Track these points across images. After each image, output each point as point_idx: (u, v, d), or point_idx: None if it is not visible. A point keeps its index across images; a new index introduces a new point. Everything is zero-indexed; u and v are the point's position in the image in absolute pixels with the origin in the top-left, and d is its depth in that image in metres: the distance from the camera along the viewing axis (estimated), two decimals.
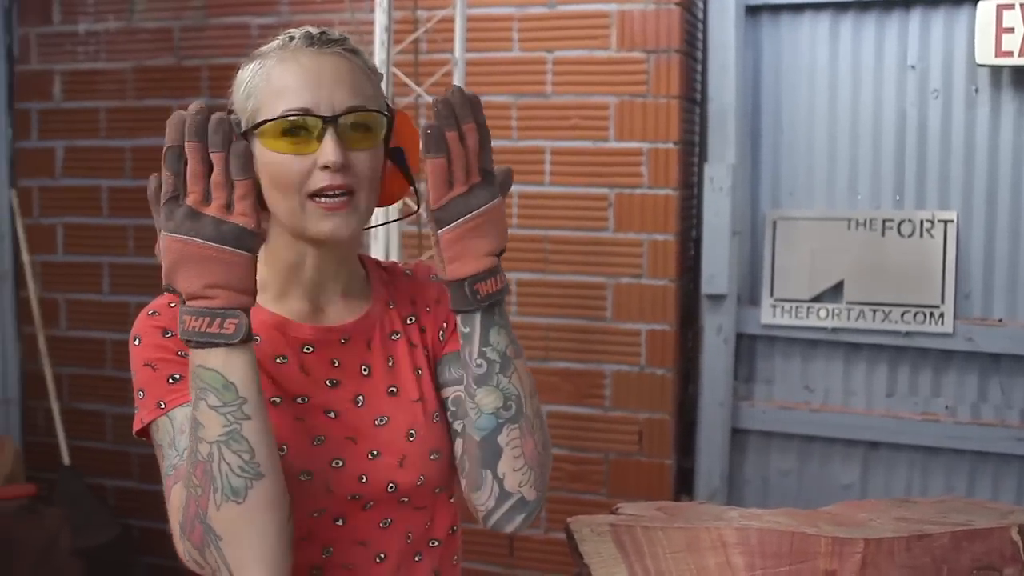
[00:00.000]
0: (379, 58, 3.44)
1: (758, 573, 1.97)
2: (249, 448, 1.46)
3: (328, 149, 1.59)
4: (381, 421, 1.71)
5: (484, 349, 1.62)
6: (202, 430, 1.46)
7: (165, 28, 4.60)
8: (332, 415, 1.67)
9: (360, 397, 1.71)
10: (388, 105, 1.76)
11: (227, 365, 1.46)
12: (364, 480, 1.67)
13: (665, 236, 3.95)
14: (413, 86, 3.74)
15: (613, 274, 4.03)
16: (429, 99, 3.80)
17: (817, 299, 3.86)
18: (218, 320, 1.45)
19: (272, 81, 1.64)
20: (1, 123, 4.89)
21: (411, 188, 1.76)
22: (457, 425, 1.76)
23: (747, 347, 4.01)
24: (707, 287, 3.91)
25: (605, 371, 4.07)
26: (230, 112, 1.66)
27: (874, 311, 3.78)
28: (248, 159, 1.44)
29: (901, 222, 3.75)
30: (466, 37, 3.77)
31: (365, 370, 1.73)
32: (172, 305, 1.61)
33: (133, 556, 4.77)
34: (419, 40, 3.93)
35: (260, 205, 1.60)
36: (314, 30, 1.70)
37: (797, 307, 3.88)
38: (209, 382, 1.46)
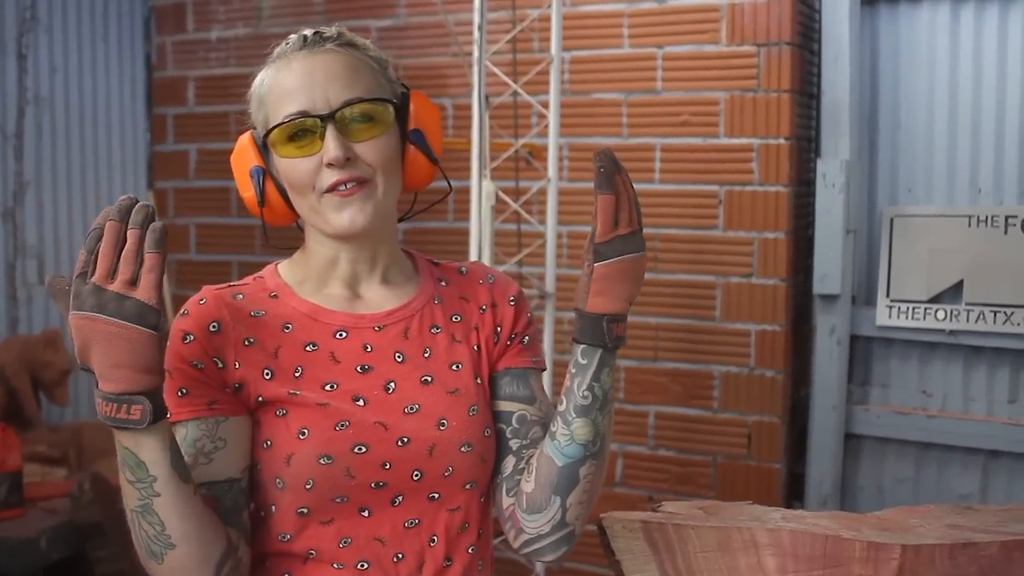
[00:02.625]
0: (474, 56, 3.44)
1: (790, 575, 1.90)
2: (160, 521, 1.50)
3: (330, 146, 1.64)
4: (412, 408, 1.70)
5: (594, 384, 1.67)
6: (125, 497, 1.51)
7: (291, 33, 4.69)
8: (361, 402, 1.67)
9: (391, 384, 1.70)
10: (403, 88, 1.77)
11: (138, 446, 1.47)
12: (388, 467, 1.67)
13: (776, 234, 3.84)
14: (510, 83, 3.72)
15: (723, 273, 3.94)
16: (527, 97, 3.79)
17: (935, 300, 3.69)
18: (124, 407, 1.44)
19: (274, 89, 1.70)
20: (140, 127, 5.07)
21: (438, 170, 1.79)
22: (514, 443, 1.80)
23: (862, 349, 3.87)
24: (819, 287, 3.78)
25: (714, 372, 3.98)
26: (253, 127, 1.76)
27: (995, 312, 3.60)
28: (163, 236, 1.43)
29: None
30: (565, 35, 3.76)
31: (399, 357, 1.73)
32: (202, 302, 1.66)
33: None
34: (518, 39, 3.91)
35: (290, 208, 1.73)
36: (308, 32, 1.75)
37: (914, 308, 3.72)
38: (124, 458, 1.49)
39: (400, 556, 1.69)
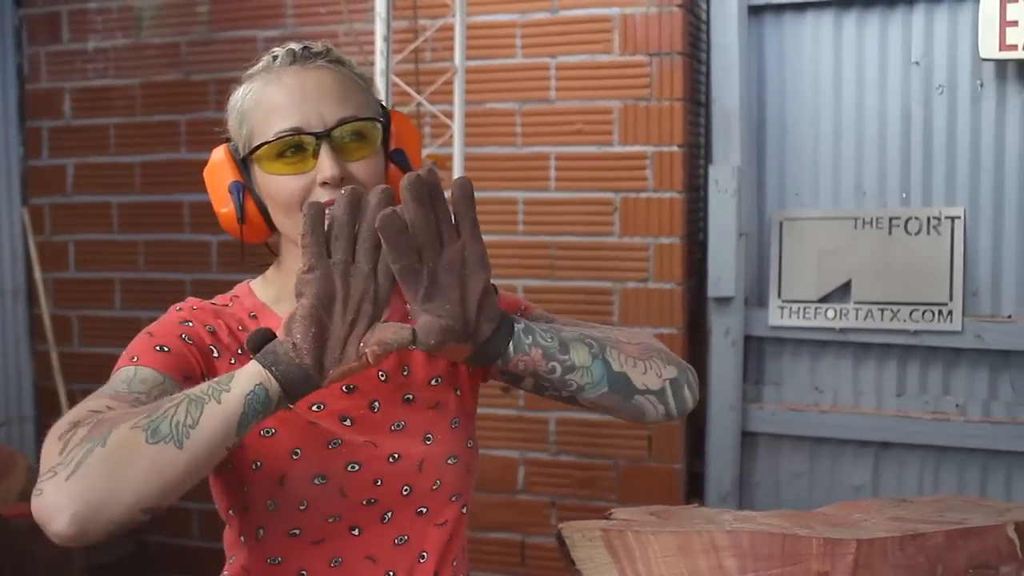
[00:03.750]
0: (379, 67, 3.45)
1: (750, 575, 1.96)
2: (195, 421, 1.34)
3: (325, 165, 1.61)
4: (398, 426, 1.71)
5: (540, 362, 1.56)
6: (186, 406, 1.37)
7: (172, 44, 4.62)
8: (348, 422, 1.67)
9: (376, 403, 1.70)
10: (383, 107, 1.77)
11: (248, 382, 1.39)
12: (379, 483, 1.68)
13: (671, 239, 3.94)
14: (414, 94, 3.74)
15: (620, 278, 4.01)
16: (430, 107, 3.81)
17: (825, 299, 3.84)
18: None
19: (261, 104, 1.66)
20: (12, 142, 4.92)
21: None
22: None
23: (755, 349, 3.99)
24: (714, 290, 3.89)
25: None
26: (228, 140, 1.72)
27: (882, 310, 3.75)
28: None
29: (908, 220, 3.72)
30: (467, 45, 3.77)
31: (383, 376, 1.72)
32: (195, 309, 1.67)
33: (149, 571, 4.79)
34: (419, 49, 3.93)
35: (269, 225, 1.69)
36: (296, 46, 1.72)
37: (805, 308, 3.85)
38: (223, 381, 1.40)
39: (391, 574, 1.70)
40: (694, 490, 4.07)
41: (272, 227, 1.69)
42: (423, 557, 1.73)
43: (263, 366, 1.38)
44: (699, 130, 4.13)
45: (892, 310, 3.74)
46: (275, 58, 1.70)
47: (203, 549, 4.73)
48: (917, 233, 3.72)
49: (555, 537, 2.04)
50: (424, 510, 1.72)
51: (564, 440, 4.10)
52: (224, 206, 1.69)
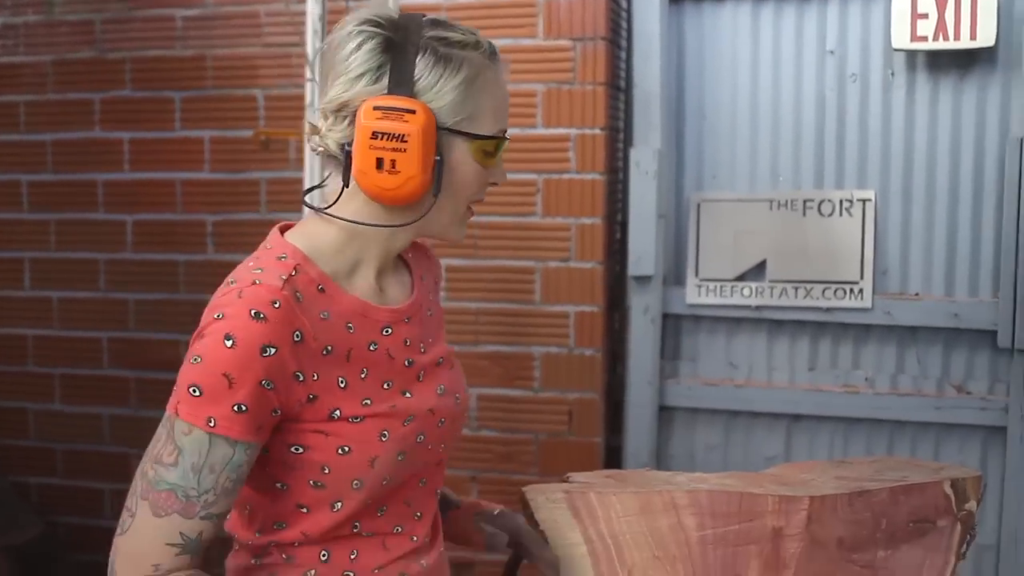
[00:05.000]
0: (311, 46, 3.47)
1: (708, 532, 2.06)
2: None
3: (502, 171, 1.79)
4: (441, 391, 1.84)
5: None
6: None
7: (86, 21, 4.57)
8: (408, 395, 1.76)
9: (422, 372, 1.82)
10: None
11: None
12: (430, 447, 1.81)
13: (592, 220, 4.03)
14: None
15: (541, 258, 4.10)
16: None
17: (741, 278, 3.97)
18: None
19: (495, 96, 1.74)
20: None
21: None
22: None
23: (673, 326, 4.11)
24: (634, 269, 4.00)
25: (534, 353, 4.14)
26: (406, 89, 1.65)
27: (796, 288, 3.90)
28: None
29: (821, 202, 3.88)
30: None
31: (422, 347, 1.83)
32: (276, 305, 1.57)
33: (60, 553, 4.75)
34: None
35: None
36: (485, 41, 1.76)
37: (721, 286, 3.99)
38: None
39: (419, 515, 1.84)
40: (612, 463, 4.17)
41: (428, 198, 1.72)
42: (437, 494, 1.91)
43: None
44: (619, 114, 4.23)
45: (805, 288, 3.89)
46: (491, 51, 1.75)
47: (113, 529, 4.69)
48: (830, 215, 3.87)
49: (519, 500, 2.13)
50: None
51: (485, 416, 4.18)
52: (422, 172, 1.65)
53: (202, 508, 1.56)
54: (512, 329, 4.15)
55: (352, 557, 1.76)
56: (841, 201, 3.86)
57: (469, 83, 1.69)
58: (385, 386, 1.74)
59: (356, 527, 1.76)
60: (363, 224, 1.74)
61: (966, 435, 3.81)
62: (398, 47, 1.67)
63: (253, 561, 1.78)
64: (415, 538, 1.84)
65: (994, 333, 3.70)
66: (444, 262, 4.10)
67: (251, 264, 1.69)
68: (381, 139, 1.63)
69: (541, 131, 4.04)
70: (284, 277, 1.63)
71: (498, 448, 4.19)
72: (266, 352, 1.55)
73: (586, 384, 4.11)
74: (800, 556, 2.06)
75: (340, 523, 1.73)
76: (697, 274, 4.02)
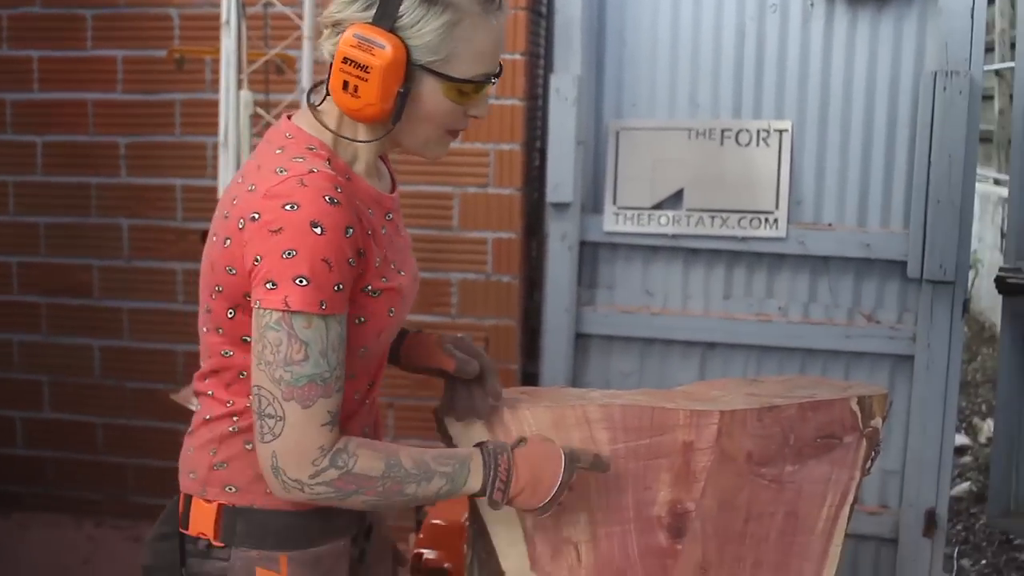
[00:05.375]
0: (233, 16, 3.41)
1: (620, 446, 2.09)
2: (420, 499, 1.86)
3: (483, 107, 1.88)
4: (414, 272, 2.02)
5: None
6: (428, 485, 1.83)
7: None
8: (403, 274, 1.93)
9: (404, 247, 2.00)
10: None
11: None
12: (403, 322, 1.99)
13: (511, 146, 4.03)
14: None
15: (460, 184, 4.09)
16: (281, 7, 3.78)
17: (658, 207, 3.99)
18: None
19: (475, 43, 1.79)
20: None
21: None
22: None
23: (590, 254, 4.12)
24: (552, 196, 3.99)
25: (452, 279, 4.14)
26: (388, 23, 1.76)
27: (712, 217, 3.93)
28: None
29: (739, 132, 3.90)
30: None
31: (404, 231, 2.03)
32: (339, 190, 1.74)
33: None
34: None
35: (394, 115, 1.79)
36: None
37: (639, 214, 4.00)
38: (457, 486, 1.86)
39: (372, 383, 2.01)
40: None
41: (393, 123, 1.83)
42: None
43: (487, 455, 1.88)
44: (540, 40, 4.21)
45: (722, 217, 3.93)
46: None
47: (27, 458, 4.65)
48: (747, 144, 3.90)
49: (432, 414, 2.13)
50: None
51: None
52: (384, 101, 1.76)
53: (335, 383, 1.75)
54: (430, 255, 4.14)
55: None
56: (758, 131, 3.88)
57: (450, 27, 1.77)
58: (392, 265, 1.89)
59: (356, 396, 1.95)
60: (333, 133, 1.87)
61: (875, 363, 3.88)
62: None
63: (230, 429, 1.90)
64: (367, 402, 2.02)
65: (904, 264, 3.77)
66: None
67: (286, 154, 1.80)
68: (349, 64, 1.75)
69: None
70: (328, 165, 1.79)
71: (414, 375, 4.17)
72: (348, 232, 1.73)
73: (503, 311, 4.12)
74: (710, 469, 2.10)
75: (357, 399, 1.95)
76: (615, 202, 4.03)
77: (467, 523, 2.23)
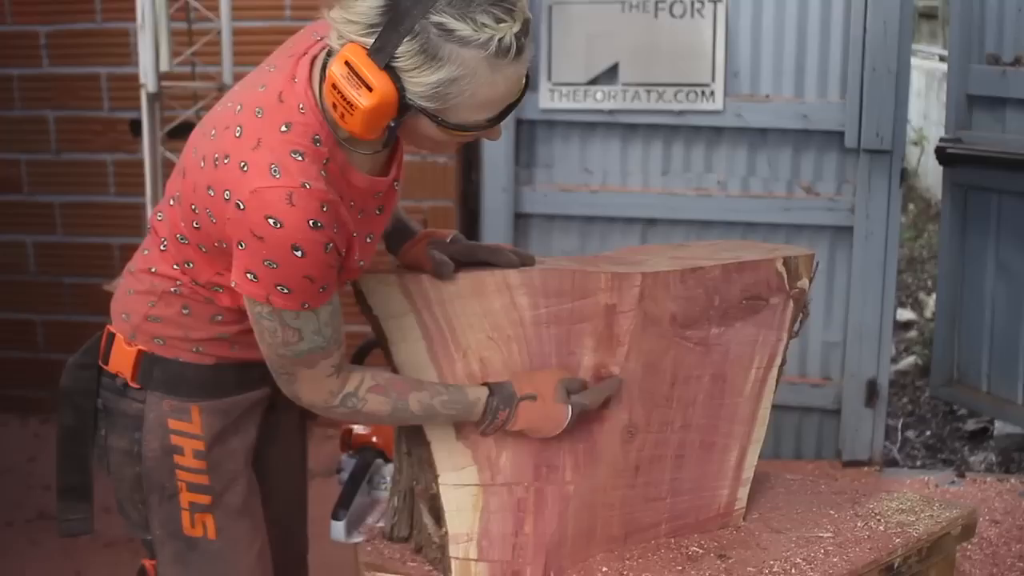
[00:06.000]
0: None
1: (542, 311, 2.04)
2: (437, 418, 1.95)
3: (497, 133, 1.77)
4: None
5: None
6: (430, 421, 1.96)
7: None
8: (370, 240, 1.91)
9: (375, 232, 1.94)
10: None
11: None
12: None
13: None
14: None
15: None
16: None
17: (594, 82, 3.92)
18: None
19: (478, 97, 1.65)
20: None
21: None
22: None
23: (527, 133, 4.06)
24: None
25: None
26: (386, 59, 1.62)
27: (649, 91, 3.87)
28: None
29: (673, 3, 3.82)
30: None
31: (382, 208, 1.94)
32: (325, 209, 1.68)
33: None
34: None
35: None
36: (523, 34, 1.64)
37: (575, 90, 3.94)
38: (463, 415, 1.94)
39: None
40: None
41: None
42: None
43: (490, 408, 1.93)
44: None
45: (658, 91, 3.86)
46: (505, 48, 1.61)
47: None
48: (682, 16, 3.82)
49: (351, 287, 2.08)
50: None
51: None
52: (366, 134, 1.67)
53: (335, 344, 1.82)
54: None
55: None
56: (693, 2, 3.81)
57: (448, 83, 1.63)
58: (368, 239, 1.89)
59: None
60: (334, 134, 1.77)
61: (815, 235, 3.87)
62: (399, 16, 1.61)
63: (171, 290, 1.91)
64: None
65: (842, 134, 3.73)
66: None
67: (289, 137, 1.71)
68: (336, 92, 1.64)
69: None
70: (323, 173, 1.72)
71: None
72: (328, 248, 1.71)
73: (440, 192, 4.06)
74: (633, 332, 2.06)
75: None
76: (550, 78, 3.96)
77: None
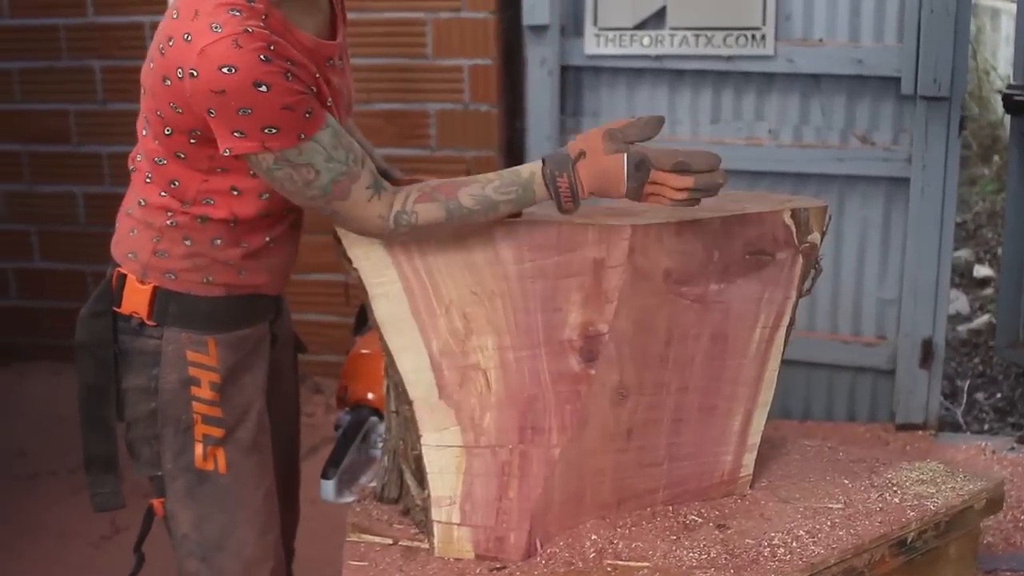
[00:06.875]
0: None
1: (527, 265, 1.94)
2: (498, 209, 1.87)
3: None
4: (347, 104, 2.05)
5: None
6: (495, 213, 1.86)
7: None
8: (329, 102, 1.91)
9: (343, 90, 2.00)
10: None
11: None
12: None
13: None
14: None
15: (432, 9, 3.88)
16: None
17: (640, 26, 3.77)
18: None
19: None
20: None
21: None
22: None
23: (573, 79, 3.92)
24: (528, 18, 3.78)
25: (429, 110, 3.97)
26: None
27: (697, 36, 3.71)
28: None
29: None
30: None
31: (341, 64, 1.99)
32: (272, 48, 1.73)
33: None
34: None
35: None
36: None
37: (621, 35, 3.78)
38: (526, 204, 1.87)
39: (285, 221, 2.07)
40: None
41: None
42: None
43: (548, 178, 1.84)
44: None
45: (707, 35, 3.70)
46: None
47: (21, 308, 4.61)
48: None
49: (331, 235, 1.99)
50: None
51: None
52: None
53: (355, 165, 1.82)
54: (405, 85, 3.96)
55: (268, 241, 2.02)
56: None
57: None
58: (328, 102, 1.89)
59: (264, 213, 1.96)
60: None
61: (870, 187, 3.69)
62: None
63: (168, 223, 1.96)
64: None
65: (899, 80, 3.53)
66: None
67: (224, 5, 1.76)
68: None
69: None
70: (263, 23, 1.76)
71: None
72: (289, 76, 1.74)
73: (483, 141, 3.95)
74: (623, 288, 1.94)
75: (265, 210, 1.95)
76: (596, 23, 3.81)
77: None
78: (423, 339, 1.96)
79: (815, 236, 2.07)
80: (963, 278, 5.63)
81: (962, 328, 5.05)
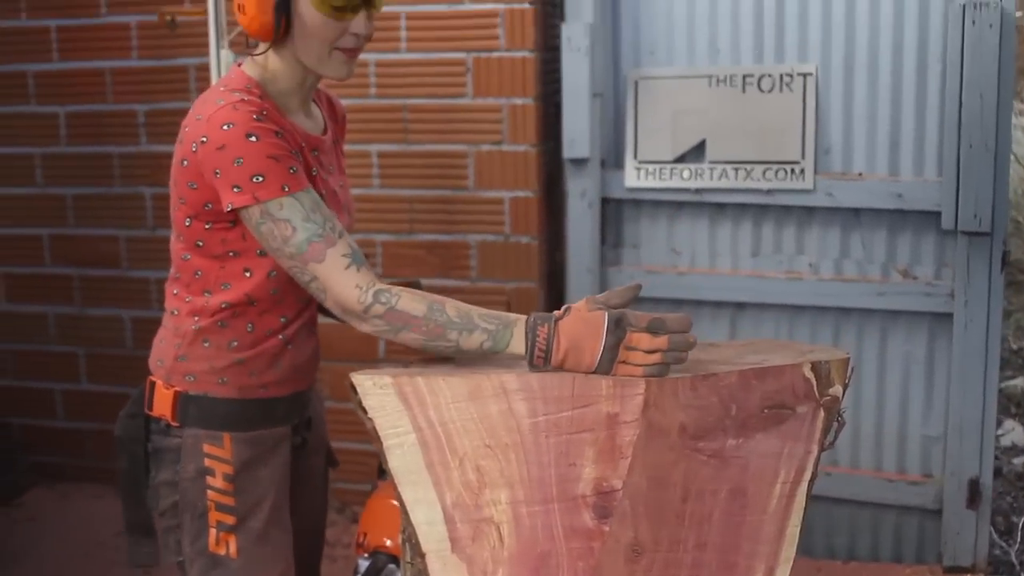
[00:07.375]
0: None
1: (541, 419, 1.92)
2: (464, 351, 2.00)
3: (363, 26, 2.07)
4: (344, 206, 2.25)
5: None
6: (469, 336, 1.96)
7: None
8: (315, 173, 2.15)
9: (336, 189, 2.22)
10: None
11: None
12: None
13: (524, 100, 3.84)
14: None
15: (473, 141, 3.92)
16: None
17: (680, 160, 3.78)
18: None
19: None
20: None
21: None
22: None
23: (613, 211, 3.94)
24: (568, 151, 3.81)
25: (470, 241, 3.99)
26: None
27: (736, 169, 3.71)
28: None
29: (761, 77, 3.66)
30: None
31: (331, 167, 2.25)
32: (264, 113, 2.01)
33: (14, 453, 4.70)
34: None
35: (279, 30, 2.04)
36: None
37: (661, 168, 3.80)
38: (499, 345, 1.95)
39: (289, 320, 2.24)
40: None
41: (277, 35, 2.05)
42: None
43: (529, 326, 1.92)
44: None
45: (746, 169, 3.70)
46: None
47: (67, 430, 4.65)
48: (770, 91, 3.66)
49: (348, 385, 1.98)
50: None
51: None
52: (263, 15, 2.03)
53: (332, 232, 1.98)
54: (446, 217, 3.99)
55: (283, 341, 2.20)
56: (781, 76, 3.64)
57: None
58: (314, 171, 2.13)
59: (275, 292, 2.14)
60: (261, 71, 2.13)
61: (912, 322, 3.64)
62: None
63: (192, 328, 2.15)
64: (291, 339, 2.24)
65: (939, 215, 3.50)
66: (375, 147, 3.99)
67: (226, 91, 2.05)
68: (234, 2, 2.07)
69: (468, 7, 3.84)
70: (257, 99, 2.04)
71: None
72: (279, 134, 2.00)
73: (524, 273, 3.95)
74: (637, 444, 1.91)
75: (275, 288, 2.13)
76: (636, 156, 3.83)
77: None
78: (436, 492, 1.93)
79: (837, 389, 2.03)
80: (1020, 408, 5.51)
81: (1018, 461, 4.93)
